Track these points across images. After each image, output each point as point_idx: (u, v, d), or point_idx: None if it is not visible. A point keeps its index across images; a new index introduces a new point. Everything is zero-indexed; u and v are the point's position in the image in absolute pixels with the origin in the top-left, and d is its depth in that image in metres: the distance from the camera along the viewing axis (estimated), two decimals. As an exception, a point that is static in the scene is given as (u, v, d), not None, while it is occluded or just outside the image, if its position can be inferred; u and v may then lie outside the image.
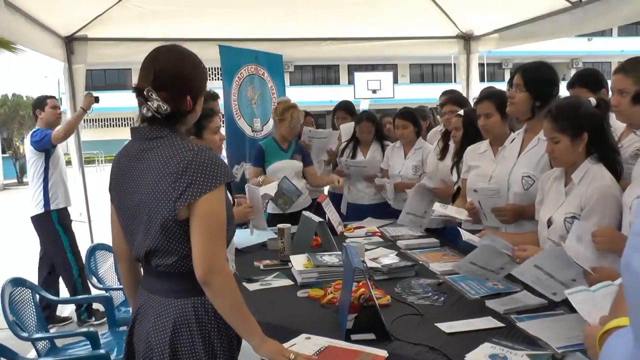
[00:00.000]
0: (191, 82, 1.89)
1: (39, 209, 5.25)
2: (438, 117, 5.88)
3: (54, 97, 5.50)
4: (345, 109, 5.77)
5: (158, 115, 1.83)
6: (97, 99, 5.45)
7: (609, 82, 2.99)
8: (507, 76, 33.23)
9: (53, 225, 5.28)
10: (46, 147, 5.24)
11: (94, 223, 6.50)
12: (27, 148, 5.41)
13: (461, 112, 3.91)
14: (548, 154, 2.60)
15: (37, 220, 5.31)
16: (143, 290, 1.99)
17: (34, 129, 5.34)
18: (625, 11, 4.81)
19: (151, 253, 1.87)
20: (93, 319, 5.40)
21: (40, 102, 5.40)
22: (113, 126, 36.73)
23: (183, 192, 1.75)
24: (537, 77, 2.96)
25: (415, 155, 4.63)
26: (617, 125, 2.76)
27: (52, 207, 5.25)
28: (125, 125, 35.89)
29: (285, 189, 4.48)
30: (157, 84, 1.83)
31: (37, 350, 3.26)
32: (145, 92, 1.80)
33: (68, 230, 5.38)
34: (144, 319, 1.93)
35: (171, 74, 1.85)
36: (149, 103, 1.81)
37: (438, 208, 3.43)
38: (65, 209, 5.41)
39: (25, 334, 3.11)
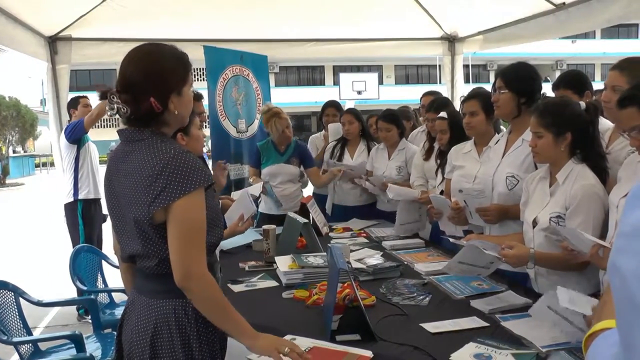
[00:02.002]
0: (153, 82, 1.82)
1: (69, 198, 5.52)
2: (420, 118, 5.90)
3: (85, 97, 5.72)
4: (334, 106, 5.76)
5: (122, 118, 1.81)
6: None
7: (594, 84, 3.03)
8: (492, 77, 33.47)
9: (76, 216, 5.50)
10: (80, 136, 5.45)
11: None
12: (61, 144, 5.63)
13: (444, 114, 3.91)
14: (531, 148, 2.63)
15: (66, 208, 5.57)
16: (133, 289, 1.99)
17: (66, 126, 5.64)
18: (607, 14, 4.87)
19: (135, 256, 1.87)
20: (89, 316, 5.42)
21: (74, 102, 5.67)
22: (98, 127, 36.49)
23: (157, 196, 1.73)
24: (516, 75, 3.02)
25: (399, 156, 4.64)
26: (603, 127, 2.78)
27: (81, 196, 5.51)
28: (110, 126, 35.68)
29: (268, 194, 4.55)
30: (121, 86, 1.81)
31: (19, 354, 3.22)
32: (108, 95, 1.79)
33: (89, 225, 5.52)
34: (129, 319, 1.93)
35: (132, 75, 1.82)
36: (109, 105, 1.79)
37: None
38: (94, 202, 5.56)
39: (4, 337, 3.08)
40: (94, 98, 5.50)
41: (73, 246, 5.42)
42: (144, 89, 1.80)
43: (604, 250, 2.10)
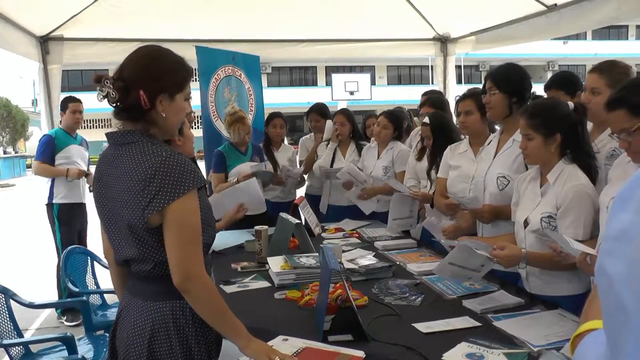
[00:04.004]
0: (148, 76, 1.83)
1: (45, 201, 5.50)
2: (415, 119, 5.91)
3: (78, 102, 5.55)
4: (317, 111, 5.73)
5: (111, 104, 1.82)
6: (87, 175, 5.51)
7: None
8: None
9: (52, 218, 5.48)
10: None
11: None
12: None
13: (426, 120, 3.94)
14: (521, 150, 2.64)
15: (45, 210, 5.54)
16: (126, 292, 1.98)
17: (48, 131, 5.66)
18: (598, 15, 4.90)
19: (129, 260, 1.87)
20: (64, 318, 5.47)
21: (63, 104, 5.56)
22: (90, 127, 36.38)
23: (152, 200, 1.72)
24: (506, 75, 3.04)
25: (387, 156, 4.65)
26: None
27: (55, 200, 5.46)
28: (102, 127, 35.61)
29: (262, 176, 4.62)
30: (117, 74, 1.83)
31: (10, 356, 3.20)
32: (102, 80, 1.79)
33: (66, 227, 5.47)
34: (124, 322, 1.93)
35: (130, 65, 1.84)
36: (101, 89, 1.79)
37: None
38: (71, 206, 5.50)
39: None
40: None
41: (56, 247, 5.50)
42: (136, 80, 1.81)
43: (591, 257, 2.12)
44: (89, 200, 5.26)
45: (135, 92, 1.80)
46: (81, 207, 5.61)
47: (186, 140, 3.08)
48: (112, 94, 1.78)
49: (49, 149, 5.38)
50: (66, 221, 5.48)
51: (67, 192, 5.45)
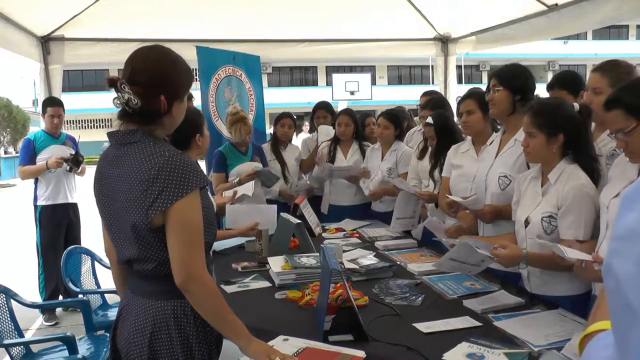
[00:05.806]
0: (167, 82, 1.85)
1: (31, 204, 5.53)
2: (416, 118, 5.92)
3: (57, 106, 5.48)
4: (325, 107, 5.79)
5: (129, 110, 1.80)
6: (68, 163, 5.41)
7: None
8: (485, 78, 33.53)
9: (35, 220, 5.51)
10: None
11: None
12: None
13: (430, 120, 3.94)
14: (523, 147, 2.64)
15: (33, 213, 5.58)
16: (128, 290, 1.99)
17: (29, 134, 5.65)
18: (599, 15, 4.91)
19: (131, 260, 1.87)
20: (42, 316, 5.52)
21: (43, 107, 5.52)
22: (90, 127, 36.37)
23: (155, 200, 1.73)
24: (510, 73, 3.05)
25: (391, 157, 4.66)
26: None
27: (39, 202, 5.49)
28: (102, 127, 35.58)
29: (264, 177, 4.63)
30: (132, 78, 1.80)
31: (11, 356, 3.20)
32: (117, 84, 1.78)
33: (45, 229, 5.47)
34: (126, 320, 1.93)
35: (147, 70, 1.83)
36: (119, 94, 1.78)
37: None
38: (54, 207, 5.49)
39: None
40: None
41: (36, 249, 5.57)
42: (158, 86, 1.82)
43: (586, 262, 2.12)
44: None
45: (156, 98, 1.81)
46: (67, 207, 5.58)
47: (205, 139, 3.10)
48: (134, 101, 1.78)
49: (29, 152, 5.39)
50: (47, 224, 5.47)
51: (49, 193, 5.45)
